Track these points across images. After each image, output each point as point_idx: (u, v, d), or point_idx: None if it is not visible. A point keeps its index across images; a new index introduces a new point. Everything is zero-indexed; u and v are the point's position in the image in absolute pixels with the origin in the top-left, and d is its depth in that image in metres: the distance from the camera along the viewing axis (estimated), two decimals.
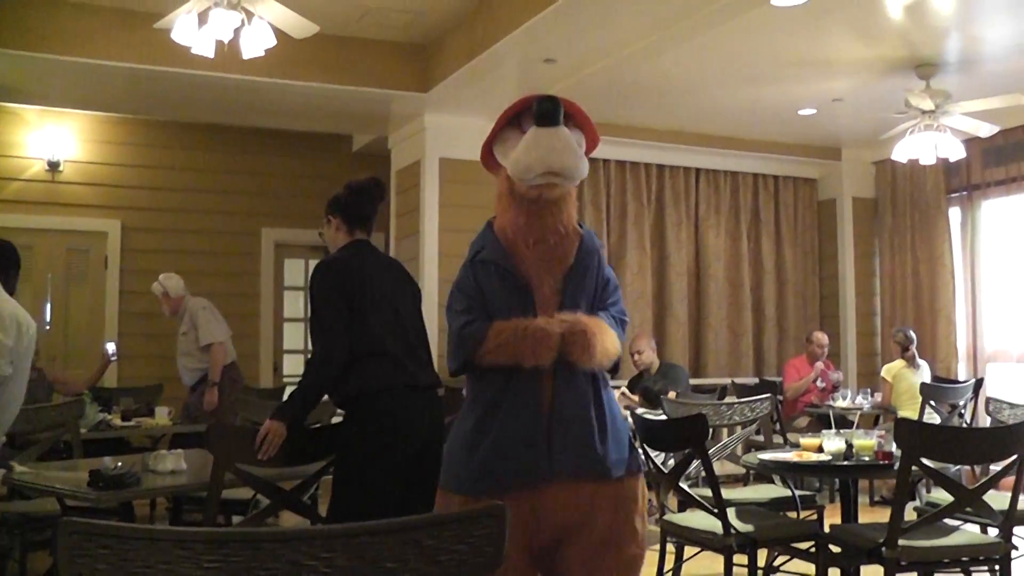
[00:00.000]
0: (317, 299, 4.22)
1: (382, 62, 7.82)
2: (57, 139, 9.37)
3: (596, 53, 6.99)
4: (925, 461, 4.01)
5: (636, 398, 7.69)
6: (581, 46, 6.86)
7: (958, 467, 6.58)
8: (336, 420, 4.60)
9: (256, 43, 5.77)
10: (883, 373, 8.96)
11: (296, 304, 10.62)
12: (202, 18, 5.72)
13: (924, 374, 8.72)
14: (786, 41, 7.39)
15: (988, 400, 5.43)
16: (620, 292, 3.45)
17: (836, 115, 9.54)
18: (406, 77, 7.85)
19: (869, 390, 9.04)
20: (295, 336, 10.56)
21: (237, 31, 5.72)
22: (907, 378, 8.62)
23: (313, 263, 10.51)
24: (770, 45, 7.50)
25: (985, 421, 6.23)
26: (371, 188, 4.48)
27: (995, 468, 4.35)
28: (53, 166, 9.36)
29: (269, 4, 5.79)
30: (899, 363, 8.79)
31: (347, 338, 4.11)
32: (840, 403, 8.78)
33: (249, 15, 5.74)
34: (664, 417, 5.88)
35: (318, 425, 5.22)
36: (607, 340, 3.25)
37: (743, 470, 5.65)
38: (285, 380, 10.03)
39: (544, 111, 3.20)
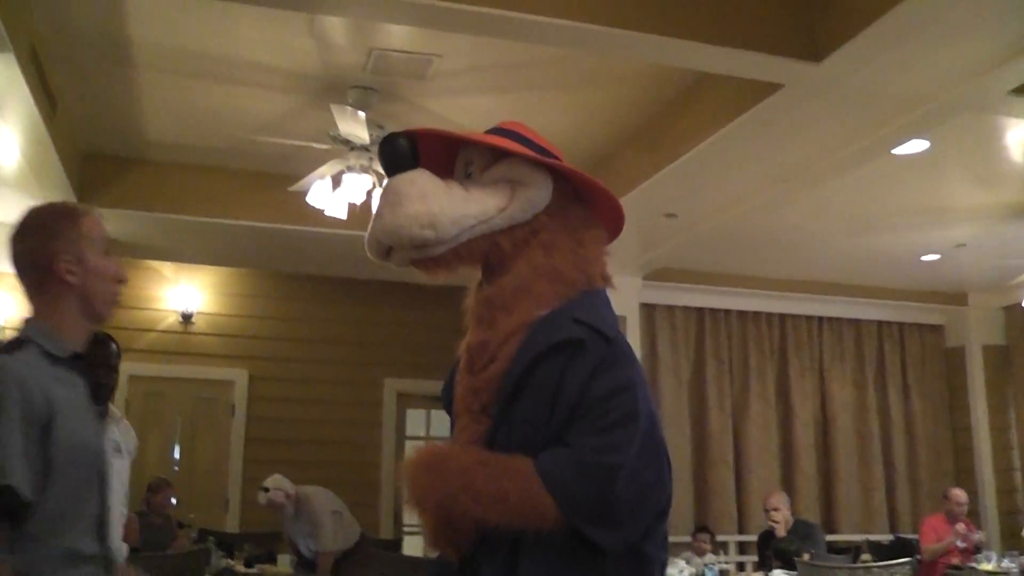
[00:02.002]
0: None
1: None
2: (190, 293, 9.72)
3: (716, 206, 7.05)
4: None
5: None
6: (701, 200, 6.93)
7: None
8: None
9: None
10: None
11: None
12: (335, 180, 5.93)
13: None
14: (906, 189, 7.35)
15: None
16: (616, 416, 2.11)
17: (960, 261, 9.37)
18: None
19: (1016, 551, 8.58)
20: None
21: (368, 192, 5.91)
22: None
23: (435, 413, 10.58)
24: (890, 193, 7.46)
25: None
26: None
27: None
28: (186, 318, 9.69)
29: None
30: None
31: None
32: (985, 566, 8.31)
33: (380, 177, 5.93)
34: None
35: None
36: (470, 497, 2.06)
37: None
38: (406, 530, 10.01)
39: (381, 159, 2.31)
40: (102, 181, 7.30)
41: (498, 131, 2.37)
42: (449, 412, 2.36)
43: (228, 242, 8.13)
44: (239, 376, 9.92)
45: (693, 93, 5.90)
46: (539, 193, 2.29)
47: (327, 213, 6.00)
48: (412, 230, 2.18)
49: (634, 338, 8.91)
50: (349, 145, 5.79)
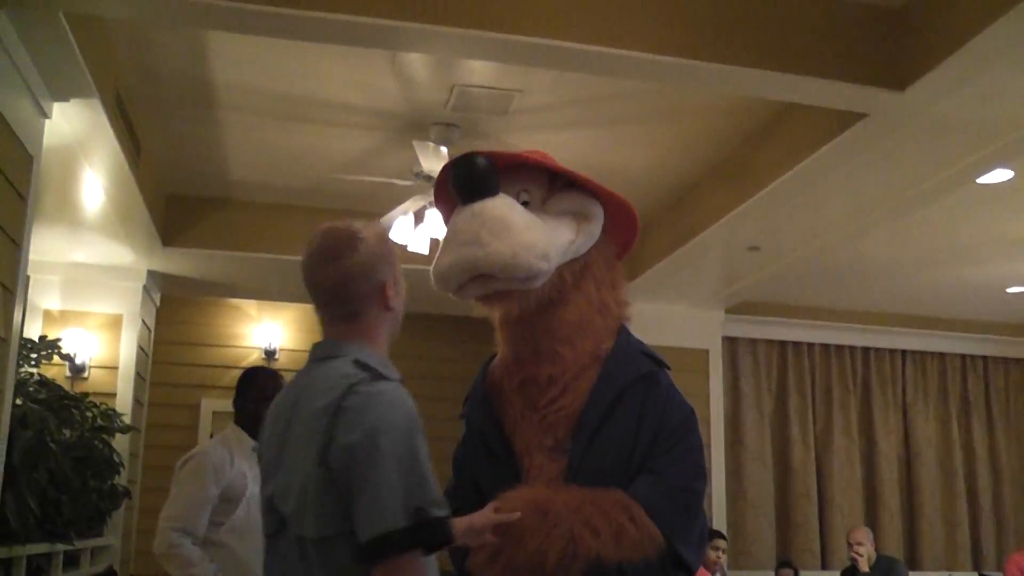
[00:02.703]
0: None
1: None
2: (273, 330, 9.83)
3: (799, 239, 7.00)
4: None
5: None
6: (784, 233, 6.88)
7: None
8: None
9: None
10: None
11: None
12: (418, 216, 5.99)
13: None
14: (991, 219, 7.22)
15: None
16: (692, 441, 2.25)
17: None
18: None
19: None
20: None
21: None
22: None
23: None
24: (975, 223, 7.34)
25: None
26: None
27: None
28: (269, 354, 9.79)
29: None
30: None
31: None
32: None
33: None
34: None
35: None
36: (590, 534, 2.05)
37: None
38: None
39: (460, 182, 2.26)
40: (186, 222, 7.44)
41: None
42: (496, 447, 2.33)
43: None
44: None
45: (775, 124, 5.87)
46: (597, 227, 2.39)
47: (409, 249, 6.05)
48: (529, 259, 2.15)
49: (716, 371, 8.85)
50: (431, 181, 5.84)
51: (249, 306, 9.80)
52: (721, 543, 7.20)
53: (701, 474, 2.25)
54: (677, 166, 6.63)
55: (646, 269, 7.69)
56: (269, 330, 9.83)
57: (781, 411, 9.80)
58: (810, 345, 9.96)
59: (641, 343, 2.41)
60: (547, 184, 2.35)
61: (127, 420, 7.10)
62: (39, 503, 4.86)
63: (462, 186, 2.25)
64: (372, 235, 2.19)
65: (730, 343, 9.50)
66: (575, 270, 2.31)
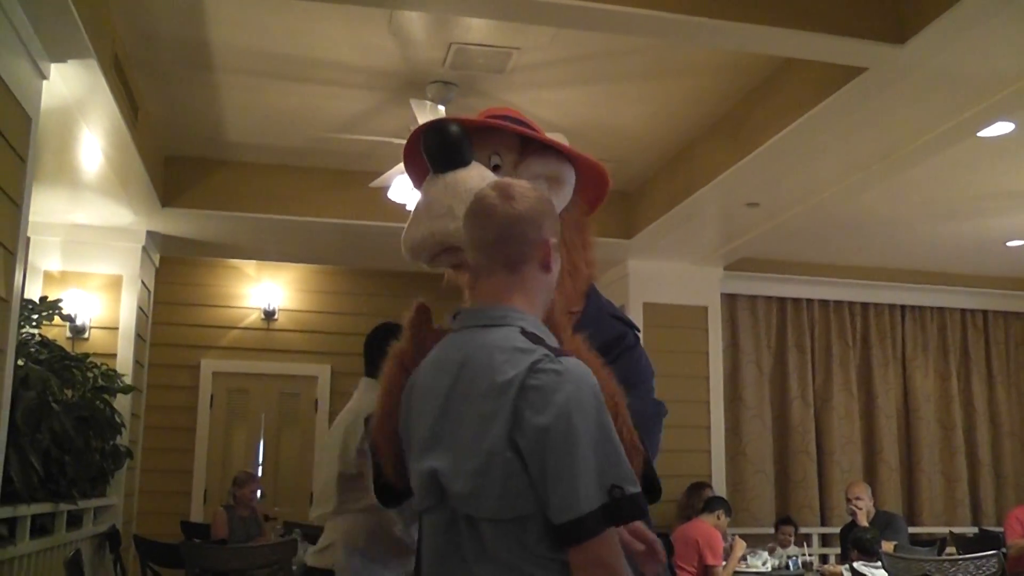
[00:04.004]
0: None
1: None
2: (272, 290, 9.86)
3: (798, 195, 6.99)
4: None
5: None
6: (783, 189, 6.86)
7: None
8: None
9: None
10: None
11: None
12: None
13: None
14: (991, 172, 7.20)
15: None
16: (648, 388, 2.35)
17: None
18: (610, 224, 7.95)
19: None
20: None
21: None
22: None
23: None
24: (974, 177, 7.32)
25: None
26: None
27: None
28: (269, 315, 9.84)
29: None
30: None
31: None
32: None
33: None
34: (882, 572, 5.66)
35: None
36: None
37: None
38: None
39: (432, 151, 2.22)
40: (184, 183, 7.43)
41: (505, 119, 2.38)
42: None
43: (309, 240, 8.24)
44: (322, 372, 10.04)
45: (775, 80, 5.84)
46: (569, 190, 2.36)
47: (408, 208, 6.04)
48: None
49: (715, 328, 8.87)
50: None
51: (248, 266, 9.84)
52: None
53: (659, 421, 2.30)
54: (675, 123, 6.61)
55: (644, 226, 7.69)
56: (268, 290, 9.88)
57: (780, 368, 9.82)
58: (809, 301, 9.96)
59: (611, 304, 2.43)
60: (519, 147, 2.34)
61: (128, 380, 7.13)
62: (42, 463, 4.90)
63: (434, 155, 2.22)
64: (540, 192, 2.07)
65: (729, 300, 9.51)
66: None
